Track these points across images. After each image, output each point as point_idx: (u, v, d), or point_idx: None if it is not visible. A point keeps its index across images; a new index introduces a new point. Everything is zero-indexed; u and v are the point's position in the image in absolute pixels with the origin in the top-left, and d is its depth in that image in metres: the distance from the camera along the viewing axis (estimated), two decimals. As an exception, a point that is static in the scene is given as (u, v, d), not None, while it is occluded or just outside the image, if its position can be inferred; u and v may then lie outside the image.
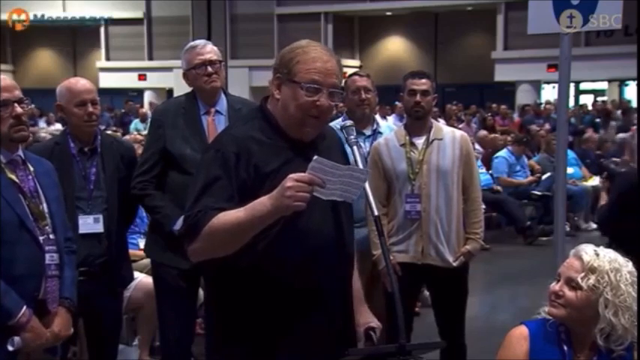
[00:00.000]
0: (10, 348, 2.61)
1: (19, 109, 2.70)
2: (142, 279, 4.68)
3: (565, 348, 2.45)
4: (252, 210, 2.16)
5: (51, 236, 2.77)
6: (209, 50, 3.60)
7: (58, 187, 2.93)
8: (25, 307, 2.64)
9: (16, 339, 2.62)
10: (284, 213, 2.15)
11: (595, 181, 10.00)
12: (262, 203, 2.15)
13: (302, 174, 2.11)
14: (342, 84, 4.35)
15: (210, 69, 3.55)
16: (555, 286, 2.45)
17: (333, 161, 2.15)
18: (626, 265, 2.44)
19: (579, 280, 2.40)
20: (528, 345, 2.48)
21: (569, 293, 2.42)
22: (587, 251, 2.45)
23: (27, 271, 2.68)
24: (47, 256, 2.74)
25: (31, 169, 2.81)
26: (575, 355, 2.46)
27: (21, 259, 2.65)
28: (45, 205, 2.79)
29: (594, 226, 9.71)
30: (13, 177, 2.72)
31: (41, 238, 2.73)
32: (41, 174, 2.85)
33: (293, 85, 2.29)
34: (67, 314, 2.82)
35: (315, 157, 2.12)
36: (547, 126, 13.68)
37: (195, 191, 2.28)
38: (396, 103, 14.56)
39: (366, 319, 2.47)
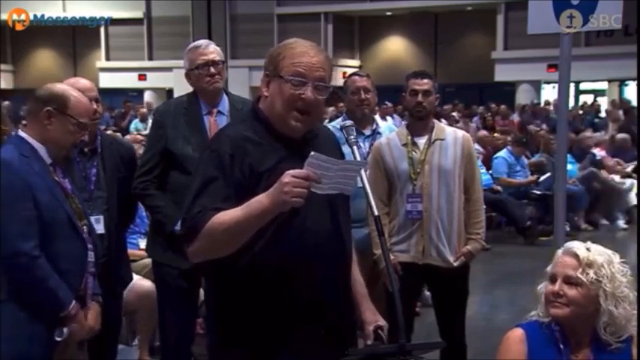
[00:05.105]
0: (58, 338, 2.73)
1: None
2: (136, 281, 4.54)
3: (562, 347, 2.46)
4: (249, 208, 2.17)
5: (88, 235, 2.91)
6: (212, 50, 3.60)
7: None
8: (74, 300, 2.78)
9: (65, 329, 2.74)
10: (282, 209, 2.15)
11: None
12: (259, 201, 2.16)
13: (299, 170, 2.12)
14: (340, 83, 4.41)
15: (212, 69, 3.56)
16: (553, 287, 2.45)
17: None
18: (615, 256, 2.48)
19: (578, 276, 2.41)
20: (526, 346, 2.49)
21: (570, 291, 2.42)
22: (579, 247, 2.47)
23: (74, 267, 2.82)
24: (88, 253, 2.88)
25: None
26: (572, 353, 2.46)
27: (71, 255, 2.80)
28: (80, 204, 2.94)
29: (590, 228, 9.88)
30: (56, 178, 2.84)
31: (83, 235, 2.87)
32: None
33: (279, 80, 2.30)
34: (98, 309, 2.95)
35: (312, 152, 2.13)
36: (544, 126, 13.69)
37: (193, 192, 2.29)
38: (388, 103, 14.68)
39: (373, 316, 2.45)
